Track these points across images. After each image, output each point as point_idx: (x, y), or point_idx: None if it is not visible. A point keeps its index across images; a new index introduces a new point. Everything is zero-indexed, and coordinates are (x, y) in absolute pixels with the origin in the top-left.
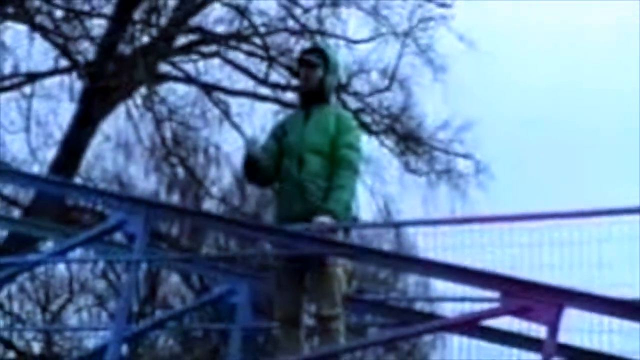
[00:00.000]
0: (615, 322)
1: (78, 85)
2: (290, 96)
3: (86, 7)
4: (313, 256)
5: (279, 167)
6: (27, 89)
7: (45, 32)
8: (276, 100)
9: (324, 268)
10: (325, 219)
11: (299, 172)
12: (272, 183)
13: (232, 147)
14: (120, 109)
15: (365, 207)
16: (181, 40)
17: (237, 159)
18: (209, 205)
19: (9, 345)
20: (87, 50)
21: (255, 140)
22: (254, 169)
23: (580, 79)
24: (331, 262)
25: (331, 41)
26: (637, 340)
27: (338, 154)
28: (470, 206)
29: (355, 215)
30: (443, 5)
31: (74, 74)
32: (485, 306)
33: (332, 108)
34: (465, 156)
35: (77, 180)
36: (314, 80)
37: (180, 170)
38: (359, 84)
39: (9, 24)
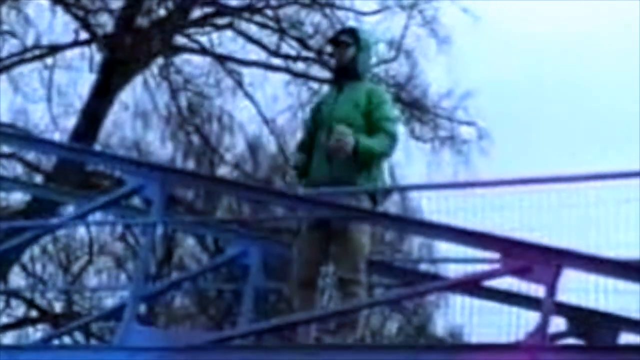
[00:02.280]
0: (612, 282)
1: (97, 56)
2: (300, 67)
3: None
4: (336, 221)
5: (312, 146)
6: (48, 60)
7: (66, 6)
8: (287, 70)
9: (345, 233)
10: (346, 130)
11: (327, 142)
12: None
13: (244, 115)
14: (138, 79)
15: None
16: (196, 13)
17: (250, 127)
18: (222, 171)
19: (31, 304)
20: (106, 23)
21: (296, 156)
22: (299, 170)
23: (581, 42)
24: (354, 226)
25: (340, 13)
26: (632, 300)
27: (377, 126)
28: (473, 171)
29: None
30: None
31: (94, 46)
32: (486, 267)
33: (364, 84)
34: (468, 123)
35: (97, 147)
36: (346, 58)
37: (195, 138)
38: (378, 52)
39: None
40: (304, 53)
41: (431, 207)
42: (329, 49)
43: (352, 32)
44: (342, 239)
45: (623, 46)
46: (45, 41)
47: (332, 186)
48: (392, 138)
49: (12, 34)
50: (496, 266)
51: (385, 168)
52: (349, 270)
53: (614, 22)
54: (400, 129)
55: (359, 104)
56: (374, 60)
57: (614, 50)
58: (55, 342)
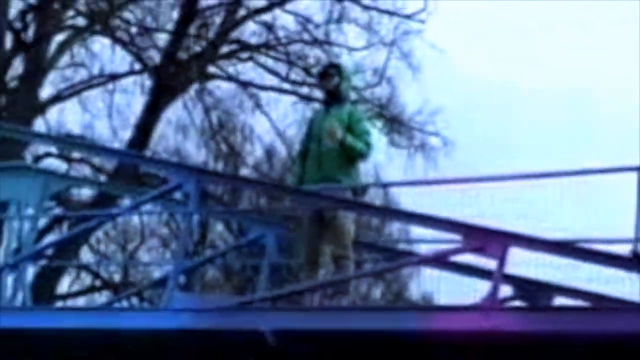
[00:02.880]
0: (548, 258)
1: (148, 83)
2: (305, 90)
3: (154, 25)
4: (328, 211)
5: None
6: (110, 86)
7: (123, 44)
8: (295, 93)
9: (335, 220)
10: (336, 124)
11: (318, 149)
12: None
13: (262, 128)
14: (179, 100)
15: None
16: (224, 49)
17: (266, 137)
18: (244, 172)
19: (97, 276)
20: (155, 56)
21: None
22: (297, 179)
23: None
24: (341, 214)
25: (335, 49)
26: (564, 271)
27: (357, 137)
28: (439, 172)
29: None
30: (420, 21)
31: (145, 75)
32: (450, 246)
33: (346, 106)
34: (435, 134)
35: (147, 153)
36: (331, 86)
37: (223, 146)
38: (356, 81)
39: (97, 37)
40: (308, 80)
41: (407, 199)
42: (318, 79)
43: (336, 66)
44: (333, 225)
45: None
46: (107, 71)
47: (321, 183)
48: (368, 146)
49: (82, 65)
50: (458, 245)
51: (361, 171)
52: (340, 249)
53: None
54: (382, 139)
55: (343, 120)
56: (355, 85)
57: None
58: (116, 305)
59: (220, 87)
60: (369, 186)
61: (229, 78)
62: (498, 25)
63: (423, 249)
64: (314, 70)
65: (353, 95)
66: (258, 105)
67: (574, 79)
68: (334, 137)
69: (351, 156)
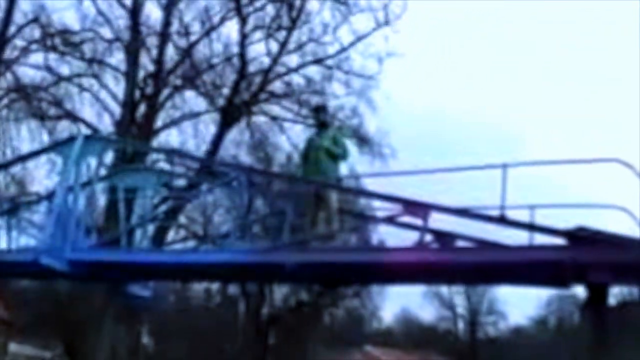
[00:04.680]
0: (455, 219)
1: (217, 117)
2: (310, 121)
3: (220, 82)
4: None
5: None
6: (194, 120)
7: (204, 95)
8: (303, 123)
9: (327, 198)
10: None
11: (316, 159)
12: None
13: (284, 144)
14: (235, 128)
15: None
16: (263, 96)
17: (287, 148)
18: (274, 169)
19: (188, 230)
20: (221, 101)
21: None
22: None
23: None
24: (330, 193)
25: (328, 96)
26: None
27: (340, 149)
28: (389, 168)
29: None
30: (376, 79)
31: (215, 112)
32: (396, 212)
33: (332, 130)
34: (387, 146)
35: (217, 158)
36: (322, 118)
37: (261, 154)
38: (340, 115)
39: (188, 92)
40: (311, 114)
41: (371, 186)
42: (314, 113)
43: (324, 107)
44: (325, 200)
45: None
46: (194, 110)
47: (319, 176)
48: (346, 153)
49: (178, 108)
50: (400, 212)
51: (341, 169)
52: (329, 214)
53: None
54: (354, 150)
55: (329, 139)
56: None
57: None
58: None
59: (260, 120)
60: (347, 177)
61: (264, 114)
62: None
63: (380, 214)
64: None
65: (337, 123)
66: (282, 130)
67: (501, 114)
68: (322, 147)
69: (335, 159)
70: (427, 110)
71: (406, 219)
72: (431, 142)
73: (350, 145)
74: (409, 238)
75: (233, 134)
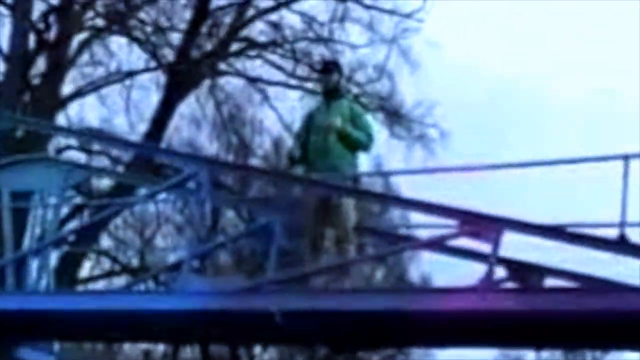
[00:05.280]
0: (539, 241)
1: (162, 79)
2: (310, 85)
3: (168, 24)
4: (332, 198)
5: (306, 144)
6: (127, 83)
7: (139, 42)
8: (300, 88)
9: (339, 207)
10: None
11: (324, 143)
12: (302, 163)
13: (270, 121)
14: (192, 96)
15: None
16: (234, 47)
17: (274, 130)
18: (254, 162)
19: (115, 260)
20: (169, 54)
21: (294, 145)
22: (293, 160)
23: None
24: (344, 202)
25: (338, 46)
26: (553, 254)
27: (360, 130)
28: (437, 162)
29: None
30: (418, 20)
31: (160, 72)
32: (448, 231)
33: (346, 101)
34: (433, 126)
35: (162, 145)
36: (332, 82)
37: (233, 138)
38: (359, 76)
39: (115, 37)
40: (313, 75)
41: (407, 187)
42: (318, 74)
43: (335, 63)
44: (336, 210)
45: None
46: (124, 68)
47: (325, 172)
48: (370, 138)
49: (100, 63)
50: (454, 230)
51: (361, 161)
52: (342, 233)
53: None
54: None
55: (344, 115)
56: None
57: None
58: (133, 288)
59: (231, 83)
60: (370, 175)
61: (239, 74)
62: (491, 19)
63: (422, 234)
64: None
65: (355, 90)
66: (266, 99)
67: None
68: (332, 127)
69: (354, 147)
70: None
71: (465, 242)
72: (501, 124)
73: (376, 125)
74: (469, 273)
75: (188, 106)
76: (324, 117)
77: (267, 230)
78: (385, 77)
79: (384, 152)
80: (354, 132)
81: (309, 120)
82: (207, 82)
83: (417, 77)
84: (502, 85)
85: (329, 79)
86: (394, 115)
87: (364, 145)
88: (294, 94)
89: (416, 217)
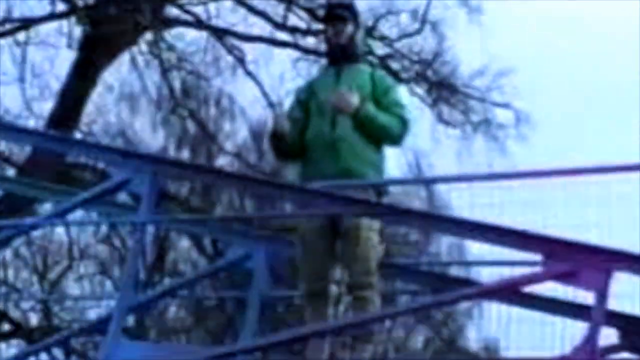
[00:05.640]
0: None
1: (77, 31)
2: (311, 42)
3: None
4: (344, 218)
5: (304, 133)
6: (21, 36)
7: None
8: (296, 46)
9: (357, 232)
10: (353, 97)
11: (332, 131)
12: (299, 157)
13: (247, 97)
14: (124, 57)
15: (393, 162)
16: None
17: (254, 111)
18: (222, 162)
19: (4, 316)
20: None
21: (283, 114)
22: (282, 144)
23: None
24: (365, 224)
25: None
26: None
27: (388, 112)
28: (510, 160)
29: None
30: None
31: (73, 19)
32: (526, 270)
33: (363, 66)
34: (504, 105)
35: (77, 135)
36: (345, 36)
37: (190, 124)
38: (387, 28)
39: None
40: (315, 26)
41: (462, 202)
42: (323, 25)
43: (349, 7)
44: (351, 239)
45: None
46: (17, 13)
47: (337, 179)
48: (405, 124)
49: None
50: (537, 270)
51: (388, 160)
52: (361, 273)
53: None
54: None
55: (363, 90)
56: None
57: None
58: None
59: (185, 37)
60: (405, 183)
61: (198, 23)
62: None
63: (485, 274)
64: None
65: (381, 49)
66: (241, 62)
67: None
68: (346, 107)
69: (378, 139)
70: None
71: (552, 287)
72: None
73: (413, 104)
74: (559, 336)
75: (117, 74)
76: (331, 92)
77: (242, 269)
78: (428, 28)
79: (426, 147)
80: (379, 115)
81: (308, 96)
82: (147, 37)
83: (480, 29)
84: (609, 44)
85: (339, 31)
86: (443, 88)
87: (395, 135)
88: (285, 56)
89: (476, 248)
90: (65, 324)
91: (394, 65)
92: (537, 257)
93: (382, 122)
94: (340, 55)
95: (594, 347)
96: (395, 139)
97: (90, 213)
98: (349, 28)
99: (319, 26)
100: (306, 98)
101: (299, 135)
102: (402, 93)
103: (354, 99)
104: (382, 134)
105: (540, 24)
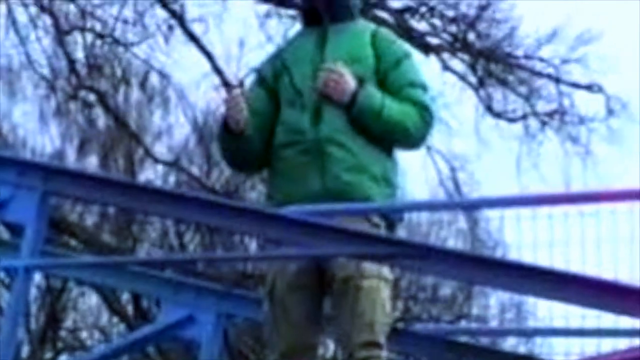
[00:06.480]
0: None
1: None
2: None
3: None
4: (336, 261)
5: (272, 131)
6: None
7: None
8: None
9: (356, 282)
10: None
11: (315, 128)
12: (263, 166)
13: (189, 75)
14: None
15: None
16: None
17: (199, 95)
18: (150, 174)
19: None
20: None
21: (240, 97)
22: (239, 145)
23: None
24: (369, 271)
25: None
26: None
27: (399, 96)
28: (596, 170)
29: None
30: None
31: None
32: (631, 343)
33: (361, 25)
34: (588, 87)
35: None
36: None
37: (101, 116)
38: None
39: None
40: None
41: (523, 237)
42: None
43: None
44: (346, 291)
45: None
46: None
47: (328, 202)
48: (427, 115)
49: None
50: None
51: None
52: (366, 333)
53: None
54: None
55: (363, 63)
56: None
57: None
58: None
59: None
60: (428, 209)
61: None
62: None
63: (561, 348)
64: None
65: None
66: (180, 22)
67: None
68: (338, 93)
69: (388, 139)
70: None
71: None
72: None
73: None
74: None
75: None
76: (312, 68)
77: (180, 339)
78: None
79: (468, 150)
80: (389, 102)
81: (277, 75)
82: None
83: None
84: None
85: None
86: (493, 62)
87: (412, 133)
88: (247, 8)
89: (544, 308)
90: None
91: (417, 24)
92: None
93: (393, 114)
94: (326, 10)
95: None
96: (413, 139)
97: None
98: None
99: None
100: (274, 77)
101: (263, 135)
102: (417, 64)
103: (350, 80)
104: (394, 131)
105: None
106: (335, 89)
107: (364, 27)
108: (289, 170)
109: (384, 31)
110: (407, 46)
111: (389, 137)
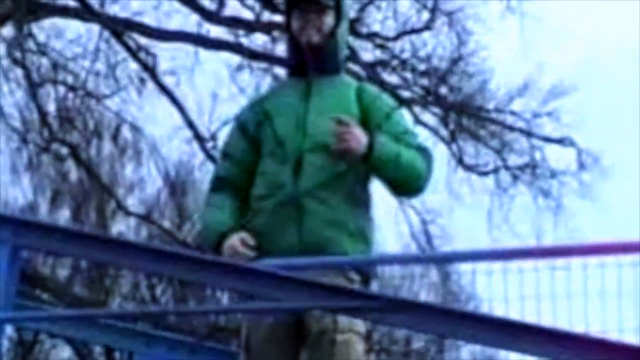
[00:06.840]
0: None
1: None
2: (260, 40)
3: None
4: (311, 316)
5: (249, 183)
6: None
7: None
8: (235, 49)
9: (331, 336)
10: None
11: (296, 182)
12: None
13: (162, 128)
14: None
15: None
16: None
17: (171, 146)
18: (122, 227)
19: None
20: None
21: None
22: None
23: None
24: (344, 325)
25: None
26: None
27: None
28: (568, 224)
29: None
30: None
31: None
32: None
33: (345, 79)
34: (560, 141)
35: None
36: (323, 32)
37: (72, 167)
38: (377, 20)
39: None
40: (267, 16)
41: (495, 290)
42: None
43: None
44: (320, 345)
45: None
46: None
47: (305, 255)
48: (429, 158)
49: None
50: None
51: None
52: None
53: None
54: (439, 152)
55: (348, 113)
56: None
57: None
58: None
59: (64, 33)
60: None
61: (85, 12)
62: None
63: None
64: None
65: (369, 54)
66: (152, 73)
67: None
68: (352, 151)
69: (404, 182)
70: None
71: None
72: None
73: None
74: None
75: None
76: (298, 121)
77: None
78: (441, 21)
79: (439, 205)
80: (397, 149)
81: (259, 124)
82: (4, 31)
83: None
84: None
85: (312, 23)
86: (464, 114)
87: (423, 177)
88: (220, 60)
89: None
90: None
91: (389, 78)
92: None
93: (409, 159)
94: (314, 62)
95: None
96: (423, 182)
97: None
98: (328, 19)
99: (275, 17)
100: (255, 125)
101: (242, 185)
102: (404, 115)
103: (361, 130)
104: (409, 176)
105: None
106: (352, 141)
107: (349, 81)
108: (267, 223)
109: (369, 86)
110: (391, 99)
111: (403, 182)
